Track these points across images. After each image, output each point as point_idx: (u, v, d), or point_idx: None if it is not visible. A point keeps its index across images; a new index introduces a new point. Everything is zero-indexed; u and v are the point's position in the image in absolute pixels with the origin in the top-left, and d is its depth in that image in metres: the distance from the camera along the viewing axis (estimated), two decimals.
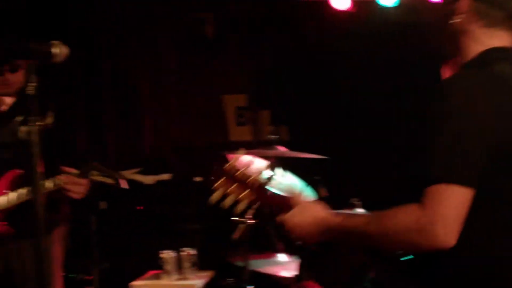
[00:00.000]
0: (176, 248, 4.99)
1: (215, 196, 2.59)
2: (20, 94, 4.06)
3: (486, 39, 2.19)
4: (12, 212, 3.96)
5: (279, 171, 4.40)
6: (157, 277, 4.97)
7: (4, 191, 3.95)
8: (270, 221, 4.52)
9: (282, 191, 4.16)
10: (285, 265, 4.55)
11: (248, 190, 2.49)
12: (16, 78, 3.97)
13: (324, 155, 4.28)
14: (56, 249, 4.09)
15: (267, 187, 2.48)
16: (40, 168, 2.24)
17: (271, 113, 6.65)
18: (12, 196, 3.91)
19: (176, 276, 4.89)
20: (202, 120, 6.91)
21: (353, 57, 5.90)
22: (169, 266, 4.87)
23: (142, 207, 6.26)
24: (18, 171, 3.97)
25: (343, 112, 6.01)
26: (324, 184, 4.26)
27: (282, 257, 4.68)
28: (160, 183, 6.11)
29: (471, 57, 2.20)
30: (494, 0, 2.19)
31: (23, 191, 3.87)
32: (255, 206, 2.59)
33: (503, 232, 2.07)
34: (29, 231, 3.88)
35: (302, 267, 4.16)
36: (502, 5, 2.18)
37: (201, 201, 6.04)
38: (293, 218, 2.36)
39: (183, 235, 5.84)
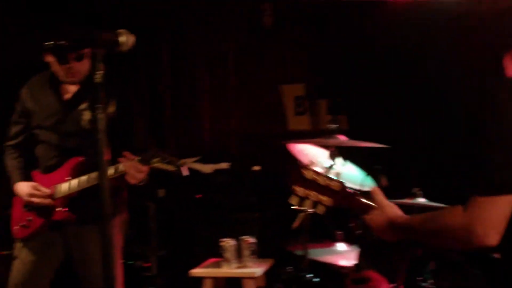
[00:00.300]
0: (235, 236, 5.00)
1: (295, 200, 2.62)
2: (83, 83, 4.12)
3: None
4: (73, 199, 4.03)
5: (339, 161, 4.40)
6: (217, 265, 5.00)
7: (66, 178, 4.02)
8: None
9: (343, 181, 4.16)
10: (344, 254, 4.54)
11: (327, 194, 2.58)
12: (81, 66, 4.02)
13: (384, 144, 4.25)
14: (116, 236, 4.13)
15: (346, 190, 2.59)
16: (106, 155, 2.26)
17: (329, 102, 6.61)
18: (74, 183, 3.97)
19: (236, 264, 4.90)
20: (261, 109, 6.91)
21: (413, 45, 5.84)
22: (229, 254, 4.88)
23: (200, 196, 6.29)
24: (80, 159, 4.03)
25: (402, 100, 5.94)
26: (385, 174, 4.22)
27: (341, 246, 4.67)
28: (218, 171, 6.17)
29: None
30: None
31: (84, 178, 3.93)
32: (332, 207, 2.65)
33: None
34: (89, 217, 4.00)
35: (361, 257, 4.15)
36: None
37: (259, 190, 6.10)
38: (372, 219, 2.52)
39: (242, 223, 5.85)
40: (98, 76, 2.21)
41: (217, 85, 7.03)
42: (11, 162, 4.25)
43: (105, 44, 2.27)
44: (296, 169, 2.58)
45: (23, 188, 4.11)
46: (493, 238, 2.09)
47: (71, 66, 3.99)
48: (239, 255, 4.93)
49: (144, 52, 6.64)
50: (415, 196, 4.13)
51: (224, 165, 4.22)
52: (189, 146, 6.84)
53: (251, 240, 4.94)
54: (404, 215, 2.46)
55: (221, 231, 5.37)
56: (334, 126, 4.40)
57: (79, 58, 3.97)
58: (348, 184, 2.66)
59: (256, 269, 4.88)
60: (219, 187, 6.12)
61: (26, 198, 4.08)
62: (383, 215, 2.50)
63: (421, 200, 4.10)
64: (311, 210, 4.13)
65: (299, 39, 6.69)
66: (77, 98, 4.10)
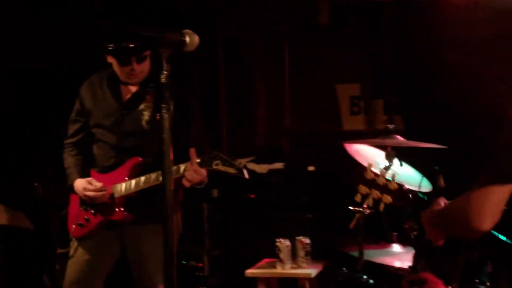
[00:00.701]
0: (288, 236, 4.99)
1: (358, 197, 2.86)
2: (143, 83, 4.15)
3: None
4: (131, 199, 4.06)
5: (396, 161, 4.36)
6: (272, 265, 4.99)
7: (125, 178, 4.04)
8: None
9: (399, 181, 4.13)
10: (399, 256, 4.50)
11: (386, 193, 2.78)
12: (142, 68, 4.05)
13: (442, 145, 4.21)
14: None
15: (403, 190, 2.80)
16: (171, 155, 2.28)
17: (385, 102, 6.57)
18: (132, 184, 4.00)
19: (290, 265, 4.90)
20: (316, 109, 6.89)
21: (470, 44, 5.77)
22: (284, 255, 4.87)
23: (253, 196, 6.28)
24: (139, 159, 4.05)
25: (459, 101, 5.88)
26: (443, 175, 4.18)
27: (396, 247, 4.64)
28: (272, 171, 6.18)
29: None
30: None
31: (142, 178, 3.95)
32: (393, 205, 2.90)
33: None
34: (146, 218, 4.02)
35: (417, 258, 4.11)
36: None
37: (313, 190, 6.08)
38: (425, 218, 2.67)
39: (294, 224, 5.83)
40: (164, 76, 2.23)
41: (272, 84, 7.03)
42: (70, 160, 4.29)
43: (171, 44, 2.29)
44: (358, 169, 2.77)
45: (80, 184, 4.14)
46: (488, 226, 2.25)
47: (133, 68, 4.02)
48: (293, 255, 4.92)
49: (199, 51, 6.65)
50: None
51: (278, 165, 4.23)
52: (243, 146, 6.85)
53: (306, 240, 4.93)
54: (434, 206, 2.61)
55: (273, 232, 5.35)
56: (391, 126, 4.38)
57: (140, 60, 4.01)
58: (404, 185, 2.87)
59: (312, 270, 4.86)
60: (272, 187, 6.11)
61: (81, 193, 4.11)
62: (429, 213, 2.64)
63: None
64: (367, 211, 4.19)
65: (355, 38, 6.65)
66: (137, 98, 4.14)
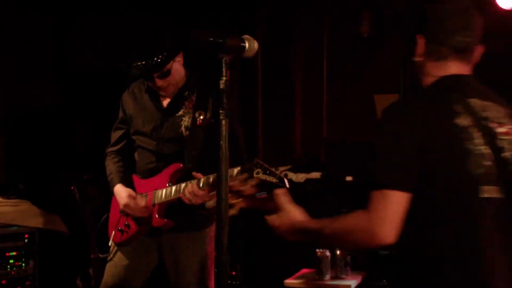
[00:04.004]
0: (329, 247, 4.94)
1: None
2: (182, 89, 4.13)
3: (437, 71, 2.55)
4: (171, 205, 4.03)
5: None
6: (311, 275, 4.95)
7: (166, 184, 4.01)
8: None
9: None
10: None
11: (239, 197, 2.90)
12: (166, 83, 4.05)
13: None
14: (211, 246, 4.12)
15: (256, 195, 2.93)
16: (227, 161, 2.24)
17: None
18: (171, 190, 3.97)
19: (329, 275, 4.85)
20: (353, 118, 6.83)
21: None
22: (323, 265, 4.83)
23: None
24: (180, 165, 4.03)
25: None
26: None
27: None
28: (310, 181, 6.12)
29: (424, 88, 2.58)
30: (442, 39, 2.53)
31: (183, 185, 3.91)
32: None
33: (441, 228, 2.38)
34: (186, 225, 4.00)
35: None
36: (448, 42, 2.52)
37: (352, 200, 6.02)
38: (276, 220, 2.76)
39: None
40: (223, 82, 2.20)
41: (310, 93, 6.99)
42: (112, 166, 4.30)
43: (231, 50, 2.26)
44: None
45: (121, 194, 4.14)
46: (391, 237, 2.29)
47: (156, 83, 4.03)
48: (333, 266, 4.87)
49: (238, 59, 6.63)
50: None
51: (315, 175, 4.16)
52: (280, 155, 6.80)
53: (346, 251, 4.88)
54: (308, 218, 2.70)
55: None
56: None
57: (162, 76, 4.00)
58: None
59: (352, 281, 4.82)
60: (310, 196, 6.06)
61: (122, 207, 4.11)
62: (285, 217, 2.72)
63: None
64: None
65: (395, 49, 6.59)
66: (175, 104, 4.13)
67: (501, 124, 2.50)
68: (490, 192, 2.40)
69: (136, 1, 6.25)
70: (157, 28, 4.31)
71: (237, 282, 5.98)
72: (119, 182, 4.21)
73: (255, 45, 2.32)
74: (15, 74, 5.97)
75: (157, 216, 4.02)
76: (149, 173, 4.14)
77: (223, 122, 2.19)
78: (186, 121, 4.07)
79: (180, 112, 4.10)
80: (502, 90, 5.59)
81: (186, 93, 4.12)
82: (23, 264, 5.14)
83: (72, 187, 5.42)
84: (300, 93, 6.95)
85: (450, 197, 2.36)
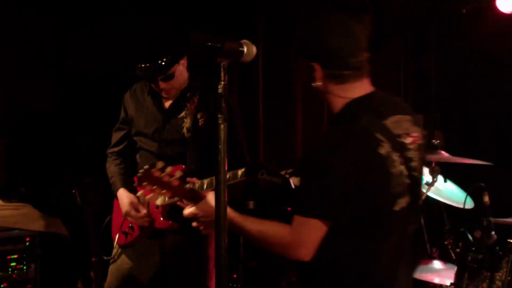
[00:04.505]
0: None
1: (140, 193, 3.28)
2: (184, 90, 4.15)
3: (344, 93, 2.63)
4: (174, 207, 4.04)
5: (440, 177, 4.32)
6: None
7: None
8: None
9: (442, 198, 4.08)
10: (440, 272, 4.45)
11: (167, 188, 2.96)
12: (169, 85, 4.07)
13: (486, 161, 4.17)
14: (212, 247, 4.13)
15: (182, 186, 3.00)
16: (225, 164, 2.25)
17: (425, 117, 6.50)
18: None
19: None
20: None
21: None
22: None
23: (290, 208, 6.23)
24: (182, 167, 4.03)
25: (502, 116, 5.80)
26: (488, 191, 4.12)
27: (437, 264, 4.59)
28: None
29: (337, 110, 2.65)
30: (339, 64, 2.61)
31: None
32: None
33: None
34: (188, 227, 3.99)
35: (459, 275, 4.07)
36: (347, 65, 2.59)
37: None
38: (197, 209, 2.89)
39: None
40: (221, 86, 2.21)
41: (311, 96, 6.98)
42: (114, 169, 4.30)
43: (230, 54, 2.27)
44: (147, 170, 2.94)
45: (123, 200, 4.14)
46: (308, 256, 2.52)
47: (159, 86, 4.06)
48: None
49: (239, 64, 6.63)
50: None
51: None
52: (281, 158, 6.80)
53: None
54: (235, 212, 2.81)
55: None
56: (436, 141, 4.33)
57: (166, 79, 4.03)
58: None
59: None
60: None
61: (124, 214, 4.12)
62: (207, 206, 2.86)
63: None
64: None
65: (396, 52, 6.60)
66: (177, 106, 4.14)
67: (408, 134, 2.63)
68: (401, 203, 2.56)
69: (136, 2, 6.25)
70: (162, 31, 4.34)
71: (238, 285, 5.98)
72: (122, 186, 4.21)
73: (254, 50, 2.32)
74: (14, 76, 5.97)
75: (161, 218, 4.03)
76: None
77: (222, 126, 2.19)
78: (188, 122, 4.08)
79: (182, 114, 4.11)
80: (502, 93, 5.64)
81: (188, 94, 4.13)
82: (25, 267, 5.14)
83: (73, 191, 5.43)
84: (300, 94, 6.94)
85: (368, 213, 2.50)
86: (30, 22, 6.04)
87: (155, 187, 2.96)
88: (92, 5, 6.16)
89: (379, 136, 2.51)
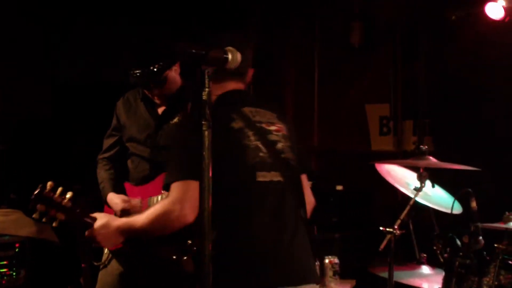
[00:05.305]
0: (318, 256, 4.94)
1: (36, 214, 3.07)
2: (175, 96, 4.17)
3: (216, 90, 2.99)
4: None
5: (428, 183, 4.32)
6: None
7: (161, 191, 4.02)
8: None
9: (430, 203, 4.08)
10: (428, 278, 4.45)
11: (61, 210, 2.99)
12: (162, 91, 4.13)
13: (474, 167, 4.17)
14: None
15: (74, 209, 3.03)
16: (210, 171, 2.25)
17: (415, 123, 6.53)
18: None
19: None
20: (344, 128, 6.85)
21: (504, 66, 5.73)
22: None
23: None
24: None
25: (491, 122, 5.82)
26: (475, 197, 4.12)
27: (425, 269, 4.58)
28: None
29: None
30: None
31: None
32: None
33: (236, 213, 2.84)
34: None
35: (447, 280, 4.07)
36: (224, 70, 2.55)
37: (341, 209, 6.03)
38: (99, 233, 2.97)
39: (323, 243, 5.78)
40: (206, 93, 2.22)
41: (301, 102, 7.00)
42: (104, 174, 4.31)
43: (214, 62, 2.28)
44: (40, 190, 3.00)
45: (114, 200, 4.15)
46: (191, 216, 2.74)
47: (152, 92, 4.12)
48: (322, 274, 4.86)
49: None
50: (508, 220, 4.04)
51: None
52: None
53: (335, 260, 4.87)
54: (124, 220, 2.98)
55: None
56: (424, 147, 4.34)
57: (159, 84, 4.08)
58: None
59: None
60: None
61: (115, 208, 4.12)
62: (108, 226, 2.97)
63: None
64: (398, 232, 4.14)
65: (386, 58, 6.63)
66: (170, 112, 4.16)
67: (271, 124, 3.05)
68: (265, 176, 2.90)
69: (127, 9, 6.27)
70: (153, 37, 4.35)
71: None
72: (111, 191, 4.22)
73: (239, 57, 2.33)
74: (5, 86, 5.98)
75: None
76: (143, 181, 4.17)
77: (206, 132, 2.20)
78: None
79: (175, 120, 4.12)
80: (492, 99, 5.66)
81: (181, 101, 4.14)
82: (14, 274, 5.12)
83: None
84: (291, 103, 6.96)
85: (234, 185, 2.84)
86: (24, 32, 6.05)
87: (49, 209, 3.00)
88: (86, 13, 6.17)
89: (233, 115, 2.93)
